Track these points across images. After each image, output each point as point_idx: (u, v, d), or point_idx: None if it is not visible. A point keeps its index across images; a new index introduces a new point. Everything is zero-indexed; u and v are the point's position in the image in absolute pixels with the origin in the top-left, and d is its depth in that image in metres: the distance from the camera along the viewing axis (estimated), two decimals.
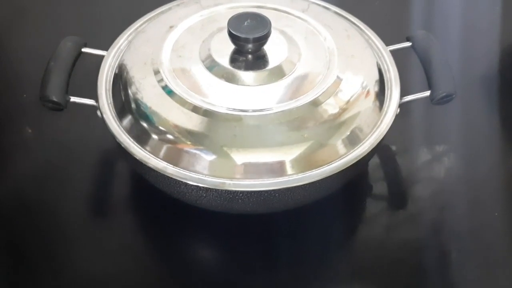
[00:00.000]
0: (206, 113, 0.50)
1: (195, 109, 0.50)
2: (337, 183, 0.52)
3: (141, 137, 0.51)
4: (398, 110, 0.54)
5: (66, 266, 0.54)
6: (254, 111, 0.50)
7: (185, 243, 0.56)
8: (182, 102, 0.50)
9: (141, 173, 0.54)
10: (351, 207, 0.58)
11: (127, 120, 0.52)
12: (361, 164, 0.52)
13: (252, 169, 0.49)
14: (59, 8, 0.74)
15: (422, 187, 0.60)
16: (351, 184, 0.56)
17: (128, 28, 0.59)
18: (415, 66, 0.58)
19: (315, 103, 0.50)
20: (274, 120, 0.49)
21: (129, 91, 0.53)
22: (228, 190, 0.48)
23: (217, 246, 0.56)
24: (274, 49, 0.53)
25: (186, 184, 0.49)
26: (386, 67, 0.56)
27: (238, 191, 0.48)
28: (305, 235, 0.55)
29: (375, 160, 0.60)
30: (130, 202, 0.59)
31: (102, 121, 0.53)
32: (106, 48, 0.58)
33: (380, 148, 0.53)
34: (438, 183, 0.60)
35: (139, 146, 0.51)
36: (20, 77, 0.68)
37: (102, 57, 0.57)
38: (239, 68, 0.52)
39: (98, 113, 0.54)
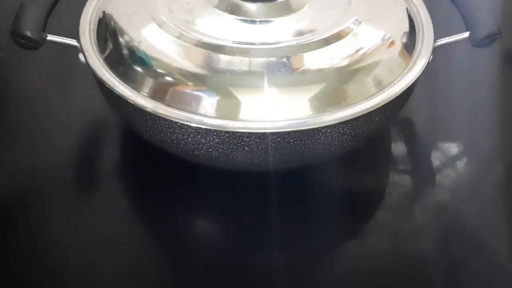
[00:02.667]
0: (208, 46, 0.42)
1: (195, 43, 0.42)
2: (357, 133, 0.43)
3: (133, 82, 0.43)
4: (431, 57, 0.47)
5: (49, 236, 0.45)
6: (262, 44, 0.42)
7: (180, 212, 0.47)
8: (180, 36, 0.43)
9: (130, 124, 0.45)
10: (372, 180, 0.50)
11: (116, 63, 0.44)
12: (388, 112, 0.44)
13: (260, 112, 0.41)
14: None
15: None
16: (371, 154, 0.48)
17: None
18: (444, 12, 0.51)
19: (331, 42, 0.43)
20: (285, 54, 0.42)
21: (118, 29, 0.45)
22: (232, 133, 0.40)
23: (212, 215, 0.48)
24: None
25: (182, 126, 0.40)
26: (415, 11, 0.49)
27: (244, 133, 0.40)
28: (316, 206, 0.47)
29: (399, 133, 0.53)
30: (120, 168, 0.50)
31: (85, 64, 0.45)
32: None
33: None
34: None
35: (127, 86, 0.43)
36: None
37: None
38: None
39: (81, 56, 0.46)
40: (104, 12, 0.47)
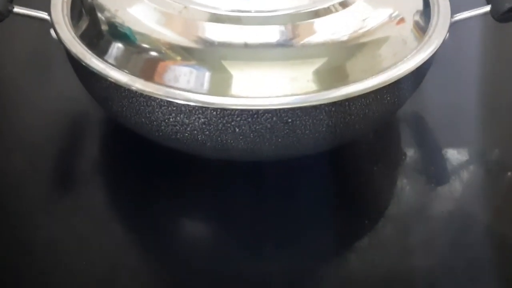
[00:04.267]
0: (198, 14, 0.36)
1: (180, 10, 0.37)
2: (364, 115, 0.37)
3: (109, 56, 0.37)
4: (448, 35, 0.41)
5: (23, 236, 0.40)
6: (258, 12, 0.37)
7: (162, 207, 0.41)
8: (162, 3, 0.37)
9: (104, 104, 0.40)
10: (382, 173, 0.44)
11: (90, 35, 0.39)
12: (399, 91, 0.38)
13: (254, 87, 0.35)
14: None
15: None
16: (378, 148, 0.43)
17: None
18: None
19: (333, 12, 0.37)
20: (283, 23, 0.36)
21: (94, 1, 0.39)
22: (221, 111, 0.34)
23: (198, 214, 0.42)
24: None
25: (161, 103, 0.35)
26: None
27: (235, 110, 0.34)
28: (315, 205, 0.41)
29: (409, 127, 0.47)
30: (98, 161, 0.44)
31: (56, 38, 0.40)
32: None
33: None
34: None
35: (102, 60, 0.37)
36: None
37: None
38: None
39: (52, 32, 0.41)
40: None
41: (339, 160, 0.43)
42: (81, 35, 0.40)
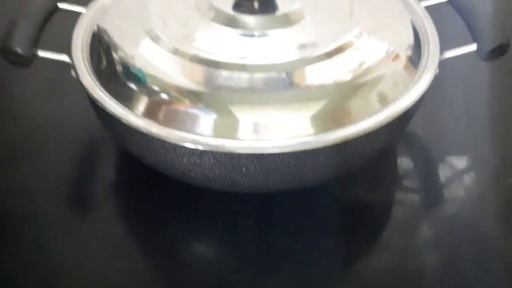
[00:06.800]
0: (204, 62, 0.40)
1: (191, 58, 0.40)
2: (361, 152, 0.41)
3: (126, 99, 0.41)
4: (437, 71, 0.45)
5: (40, 258, 0.43)
6: (261, 59, 0.40)
7: (176, 234, 0.45)
8: (176, 53, 0.41)
9: (123, 143, 0.44)
10: (376, 198, 0.48)
11: (109, 79, 0.42)
12: (394, 128, 0.42)
13: (259, 131, 0.39)
14: None
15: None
16: (376, 171, 0.46)
17: None
18: (451, 25, 0.48)
19: (333, 56, 0.41)
20: (285, 70, 0.40)
21: (112, 45, 0.43)
22: (229, 154, 0.38)
23: (212, 238, 0.45)
24: None
25: (175, 146, 0.39)
26: (420, 23, 0.47)
27: (241, 154, 0.38)
28: (318, 230, 0.44)
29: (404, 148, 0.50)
30: (114, 188, 0.48)
31: (77, 80, 0.43)
32: (86, 4, 0.49)
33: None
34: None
35: (119, 103, 0.41)
36: None
37: (81, 14, 0.48)
38: (243, 12, 0.42)
39: (73, 72, 0.45)
40: (98, 26, 0.46)
41: (338, 187, 0.46)
42: (99, 75, 0.43)
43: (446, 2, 0.49)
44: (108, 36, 0.44)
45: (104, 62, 0.44)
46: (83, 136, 0.51)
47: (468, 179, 0.50)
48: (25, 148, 0.50)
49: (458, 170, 0.50)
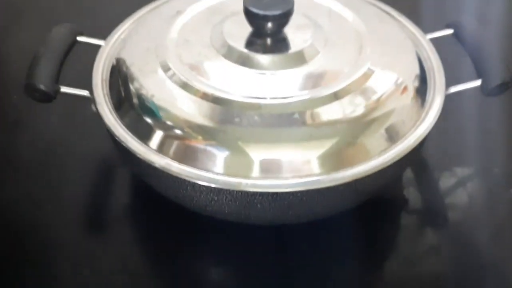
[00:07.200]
0: (218, 100, 0.42)
1: (205, 96, 0.42)
2: (371, 187, 0.43)
3: (143, 133, 0.43)
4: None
5: (56, 280, 0.46)
6: (273, 98, 0.42)
7: (191, 261, 0.47)
8: (190, 90, 0.43)
9: (142, 176, 0.46)
10: (384, 223, 0.50)
11: (126, 113, 0.44)
12: (403, 164, 0.44)
13: (272, 168, 0.41)
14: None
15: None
16: (384, 197, 0.48)
17: (130, 16, 0.52)
18: (455, 57, 0.50)
19: (345, 94, 0.43)
20: (297, 109, 0.42)
21: (129, 79, 0.45)
22: (245, 192, 0.40)
23: (227, 267, 0.48)
24: (296, 33, 0.45)
25: (194, 184, 0.41)
26: (426, 55, 0.49)
27: (257, 192, 0.40)
28: (331, 257, 0.47)
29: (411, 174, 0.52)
30: (130, 213, 0.50)
31: (97, 115, 0.45)
32: (104, 37, 0.51)
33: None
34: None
35: (139, 141, 0.43)
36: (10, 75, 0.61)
37: (99, 47, 0.50)
38: (256, 51, 0.44)
39: (93, 107, 0.47)
40: (116, 60, 0.48)
41: (350, 215, 0.48)
42: (116, 107, 0.45)
43: (450, 35, 0.51)
44: (126, 71, 0.46)
45: (123, 96, 0.46)
46: (99, 163, 0.53)
47: (470, 197, 0.52)
48: (44, 173, 0.52)
49: (461, 181, 0.52)
